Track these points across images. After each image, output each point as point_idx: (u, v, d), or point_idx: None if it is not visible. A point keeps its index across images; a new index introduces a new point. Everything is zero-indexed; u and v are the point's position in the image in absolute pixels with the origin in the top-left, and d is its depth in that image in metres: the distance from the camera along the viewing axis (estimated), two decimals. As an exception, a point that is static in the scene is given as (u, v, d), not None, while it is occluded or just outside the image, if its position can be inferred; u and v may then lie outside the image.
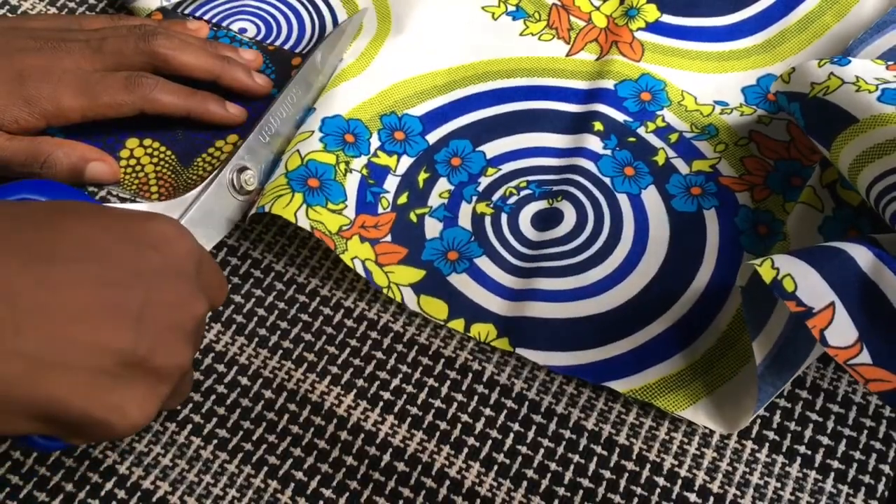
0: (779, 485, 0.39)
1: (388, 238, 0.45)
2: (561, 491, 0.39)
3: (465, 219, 0.46)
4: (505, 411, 0.41)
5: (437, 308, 0.43)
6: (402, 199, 0.46)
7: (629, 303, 0.43)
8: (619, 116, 0.49)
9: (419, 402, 0.41)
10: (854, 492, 0.39)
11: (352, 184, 0.45)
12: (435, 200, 0.46)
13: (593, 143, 0.48)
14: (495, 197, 0.47)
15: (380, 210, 0.46)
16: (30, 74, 0.43)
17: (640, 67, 0.51)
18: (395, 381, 0.41)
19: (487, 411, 0.41)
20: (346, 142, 0.46)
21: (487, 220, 0.46)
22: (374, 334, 0.43)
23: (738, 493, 0.39)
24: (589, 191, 0.46)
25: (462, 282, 0.43)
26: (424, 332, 0.43)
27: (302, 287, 0.44)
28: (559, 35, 0.53)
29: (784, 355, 0.39)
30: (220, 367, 0.42)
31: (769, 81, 0.51)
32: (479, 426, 0.40)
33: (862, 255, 0.38)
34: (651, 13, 0.53)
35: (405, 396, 0.41)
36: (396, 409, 0.41)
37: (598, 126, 0.49)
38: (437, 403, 0.41)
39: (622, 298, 0.43)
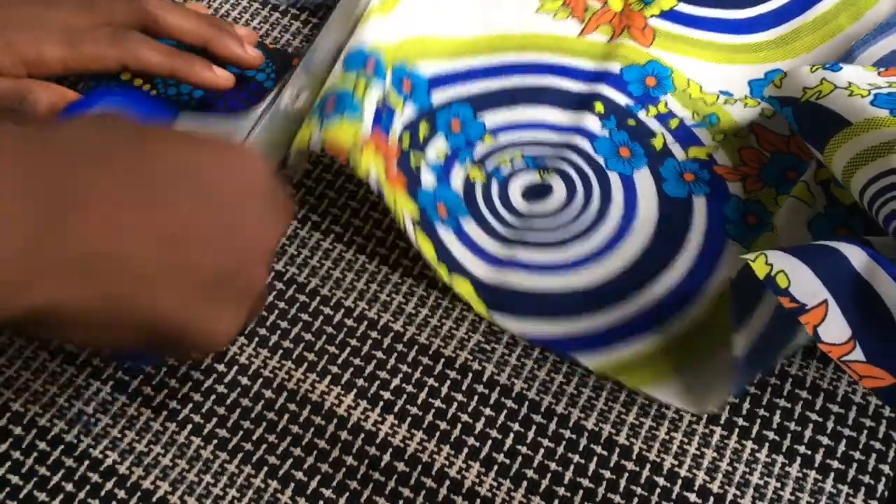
0: (779, 485, 0.39)
1: (395, 162, 0.46)
2: (561, 491, 0.39)
3: (456, 181, 0.47)
4: (505, 411, 0.41)
5: (427, 245, 0.43)
6: (406, 139, 0.47)
7: (609, 281, 0.44)
8: (622, 99, 0.50)
9: (419, 401, 0.41)
10: (854, 492, 0.39)
11: (370, 103, 0.45)
12: (432, 156, 0.47)
13: (592, 122, 0.49)
14: (489, 165, 0.47)
15: (390, 136, 0.46)
16: (15, 23, 0.42)
17: (648, 53, 0.51)
18: (396, 381, 0.41)
19: (487, 411, 0.41)
20: (367, 70, 0.46)
21: (478, 185, 0.47)
22: (374, 334, 0.43)
23: (738, 493, 0.39)
24: (581, 169, 0.47)
25: (448, 237, 0.44)
26: (424, 332, 0.43)
27: (302, 287, 0.44)
28: (574, 14, 0.53)
29: (763, 347, 0.40)
30: (221, 367, 0.42)
31: (775, 76, 0.51)
32: (479, 426, 0.40)
33: (856, 255, 0.38)
34: (668, 1, 0.53)
35: (405, 396, 0.41)
36: (396, 409, 0.41)
37: (598, 107, 0.49)
38: (437, 403, 0.41)
39: (602, 275, 0.44)
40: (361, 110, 0.43)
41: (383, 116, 0.45)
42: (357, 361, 0.42)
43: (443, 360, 0.42)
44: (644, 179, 0.47)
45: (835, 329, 0.37)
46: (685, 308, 0.43)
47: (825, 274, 0.37)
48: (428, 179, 0.46)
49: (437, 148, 0.47)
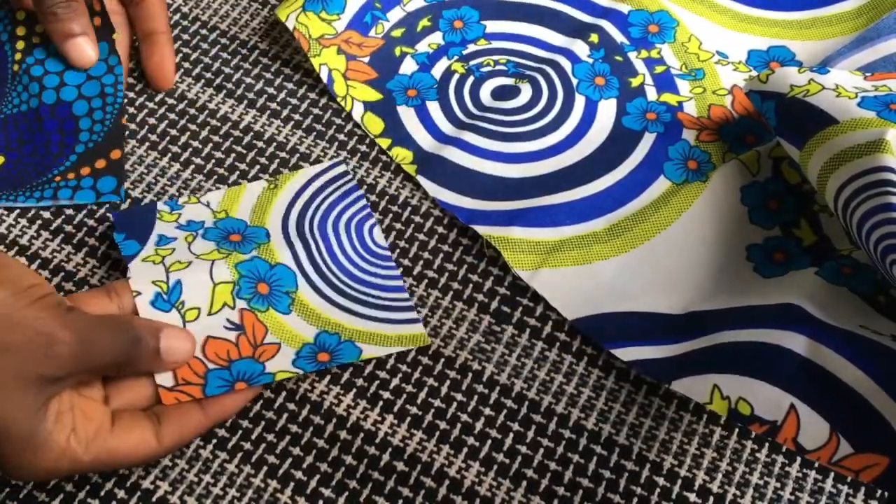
0: (779, 485, 0.39)
1: (366, 60, 0.50)
2: (561, 491, 0.39)
3: (437, 70, 0.51)
4: (505, 411, 0.41)
5: (375, 124, 0.48)
6: (397, 33, 0.51)
7: (533, 178, 0.47)
8: (619, 38, 0.52)
9: (419, 401, 0.41)
10: (854, 492, 0.39)
11: (354, 2, 0.51)
12: (422, 47, 0.51)
13: (581, 49, 0.51)
14: (473, 62, 0.51)
15: (371, 33, 0.51)
16: None
17: (661, 3, 0.53)
18: (395, 381, 0.41)
19: (487, 411, 0.41)
20: None
21: (455, 76, 0.50)
22: (373, 334, 0.43)
23: (738, 493, 0.39)
24: (553, 83, 0.50)
25: (407, 114, 0.49)
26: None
27: (302, 287, 0.44)
28: None
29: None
30: (220, 367, 0.42)
31: (778, 52, 0.52)
32: (478, 426, 0.40)
33: (797, 342, 0.39)
34: None
35: (405, 396, 0.41)
36: (396, 409, 0.41)
37: (593, 38, 0.52)
38: (437, 403, 0.41)
39: (530, 172, 0.47)
40: (344, 7, 0.50)
41: (367, 17, 0.51)
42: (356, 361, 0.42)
43: (443, 360, 0.42)
44: (607, 108, 0.49)
45: (813, 430, 0.38)
46: (587, 221, 0.46)
47: (780, 379, 0.39)
48: (408, 66, 0.50)
49: (431, 41, 0.52)
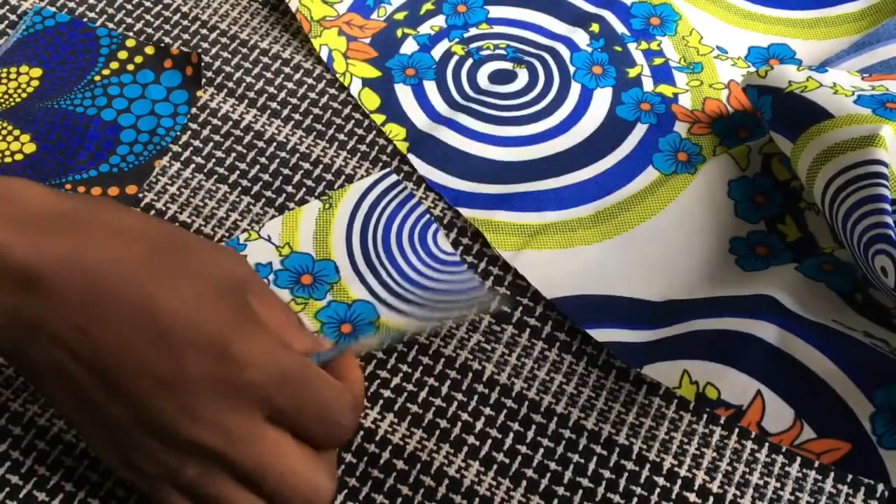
0: (779, 485, 0.39)
1: (367, 41, 0.51)
2: (560, 490, 0.39)
3: (437, 51, 0.51)
4: (505, 411, 0.41)
5: (371, 100, 0.49)
6: (399, 16, 0.52)
7: (523, 163, 0.47)
8: (619, 28, 0.52)
9: (419, 400, 0.41)
10: (854, 492, 0.39)
11: None
12: (424, 29, 0.52)
13: (581, 38, 0.52)
14: (473, 45, 0.52)
15: (373, 16, 0.52)
16: None
17: None
18: (396, 380, 0.41)
19: (487, 410, 0.41)
20: None
21: (454, 58, 0.51)
22: (373, 334, 0.43)
23: (738, 493, 0.39)
24: (550, 70, 0.50)
25: (403, 92, 0.49)
26: (424, 332, 0.43)
27: (302, 287, 0.44)
28: None
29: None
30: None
31: (778, 49, 0.53)
32: (478, 425, 0.40)
33: (768, 331, 0.40)
34: None
35: (405, 395, 0.41)
36: (396, 408, 0.41)
37: (594, 27, 0.52)
38: (437, 402, 0.41)
39: (520, 157, 0.48)
40: None
41: (370, 0, 0.52)
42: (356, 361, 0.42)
43: (443, 360, 0.42)
44: (602, 97, 0.50)
45: (777, 415, 0.39)
46: (580, 206, 0.46)
47: (747, 364, 0.39)
48: (409, 46, 0.51)
49: (433, 23, 0.52)
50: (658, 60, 0.51)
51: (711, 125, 0.49)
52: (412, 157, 0.47)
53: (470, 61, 0.51)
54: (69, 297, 0.31)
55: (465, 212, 0.45)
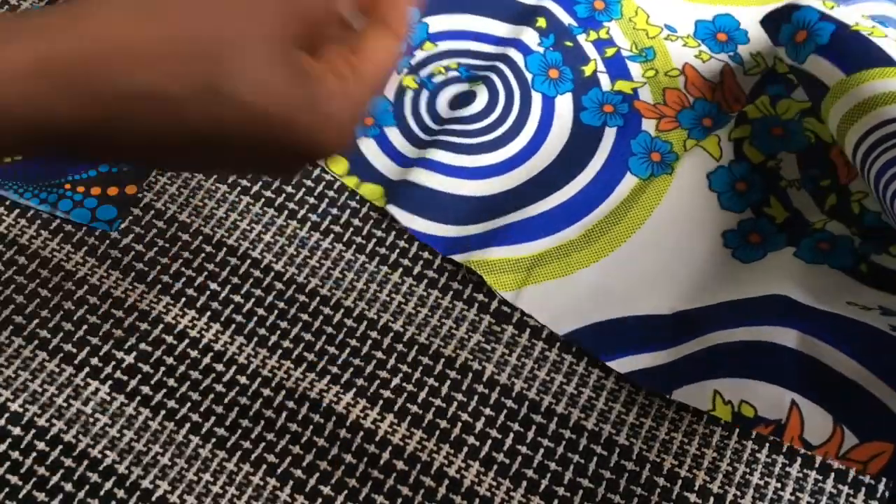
0: (779, 485, 0.39)
1: None
2: (561, 491, 0.39)
3: (389, 90, 0.49)
4: (505, 411, 0.41)
5: (338, 164, 0.47)
6: None
7: (503, 193, 0.46)
8: (566, 19, 0.51)
9: (419, 400, 0.41)
10: (854, 492, 0.39)
11: None
12: None
13: (530, 37, 0.50)
14: (424, 72, 0.49)
15: None
16: None
17: None
18: (396, 381, 0.41)
19: (487, 411, 0.41)
20: None
21: (409, 93, 0.49)
22: (374, 334, 0.42)
23: (738, 493, 0.39)
24: (508, 82, 0.49)
25: (367, 145, 0.47)
26: (424, 332, 0.43)
27: (302, 287, 0.44)
28: None
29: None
30: (219, 367, 0.42)
31: (724, 21, 0.52)
32: (478, 425, 0.40)
33: (791, 338, 0.40)
34: None
35: (405, 395, 0.41)
36: (396, 408, 0.40)
37: (541, 22, 0.51)
38: (437, 402, 0.41)
39: (499, 187, 0.46)
40: None
41: None
42: (357, 361, 0.42)
43: (443, 360, 0.42)
44: (564, 104, 0.49)
45: (817, 425, 0.39)
46: (563, 229, 0.45)
47: (778, 376, 0.39)
48: None
49: None
50: (610, 51, 0.50)
51: (677, 117, 0.48)
52: (391, 209, 0.45)
53: (426, 93, 0.49)
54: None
55: (459, 257, 0.44)
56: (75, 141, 0.25)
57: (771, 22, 0.45)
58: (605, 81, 0.49)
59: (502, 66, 0.49)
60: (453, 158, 0.47)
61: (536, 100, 0.49)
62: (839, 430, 0.38)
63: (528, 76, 0.49)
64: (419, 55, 0.50)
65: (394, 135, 0.48)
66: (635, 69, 0.50)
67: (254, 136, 0.26)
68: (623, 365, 0.41)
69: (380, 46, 0.30)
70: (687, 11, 0.52)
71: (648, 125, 0.48)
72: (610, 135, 0.48)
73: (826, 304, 0.40)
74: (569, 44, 0.50)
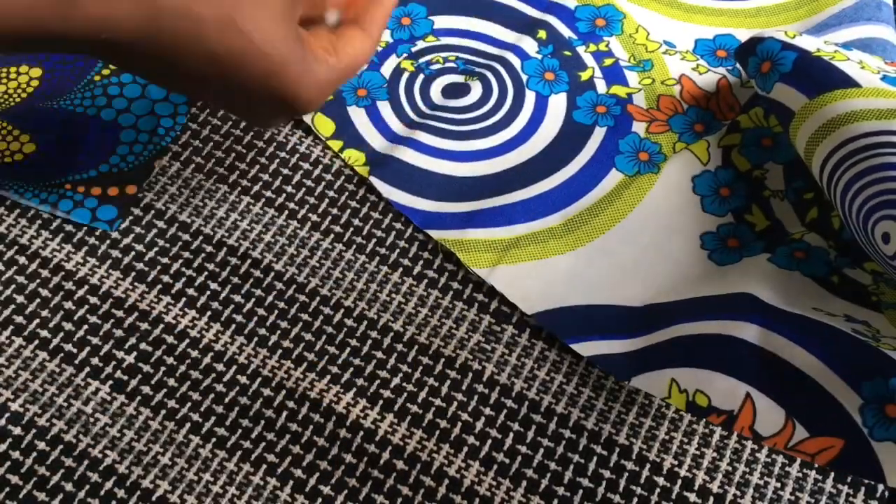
0: (779, 485, 0.39)
1: None
2: (560, 490, 0.39)
3: (386, 69, 0.50)
4: (505, 411, 0.41)
5: (325, 126, 0.48)
6: None
7: (487, 177, 0.47)
8: (566, 33, 0.52)
9: (419, 400, 0.41)
10: (854, 492, 0.39)
11: None
12: None
13: (529, 45, 0.51)
14: (422, 59, 0.51)
15: None
16: None
17: None
18: (396, 380, 0.41)
19: (487, 411, 0.41)
20: None
21: (405, 74, 0.50)
22: (374, 334, 0.43)
23: (738, 493, 0.39)
24: (503, 80, 0.50)
25: (357, 114, 0.49)
26: (424, 332, 0.43)
27: (302, 287, 0.44)
28: None
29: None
30: (219, 367, 0.42)
31: (724, 40, 0.53)
32: (478, 425, 0.40)
33: (749, 332, 0.40)
34: None
35: (405, 395, 0.41)
36: (396, 408, 0.41)
37: (541, 34, 0.52)
38: (437, 402, 0.41)
39: (484, 171, 0.47)
40: None
41: None
42: (357, 361, 0.42)
43: (443, 360, 0.42)
44: (558, 103, 0.49)
45: (769, 418, 0.39)
46: (539, 218, 0.46)
47: (734, 368, 0.40)
48: None
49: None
50: (608, 61, 0.51)
51: (668, 122, 0.49)
52: (374, 180, 0.46)
53: (421, 77, 0.50)
54: None
55: (435, 233, 0.45)
56: (105, 42, 0.29)
57: (740, 56, 0.46)
58: (600, 85, 0.50)
59: (499, 66, 0.50)
60: (441, 143, 0.48)
61: (530, 97, 0.49)
62: (791, 424, 0.39)
63: (524, 77, 0.50)
64: (420, 45, 0.51)
65: (384, 108, 0.49)
66: (632, 77, 0.50)
67: (250, 71, 0.30)
68: (586, 349, 0.41)
69: (357, 45, 0.35)
70: (687, 30, 0.53)
71: (639, 127, 0.49)
72: (599, 133, 0.48)
73: (791, 307, 0.41)
74: (567, 53, 0.51)
